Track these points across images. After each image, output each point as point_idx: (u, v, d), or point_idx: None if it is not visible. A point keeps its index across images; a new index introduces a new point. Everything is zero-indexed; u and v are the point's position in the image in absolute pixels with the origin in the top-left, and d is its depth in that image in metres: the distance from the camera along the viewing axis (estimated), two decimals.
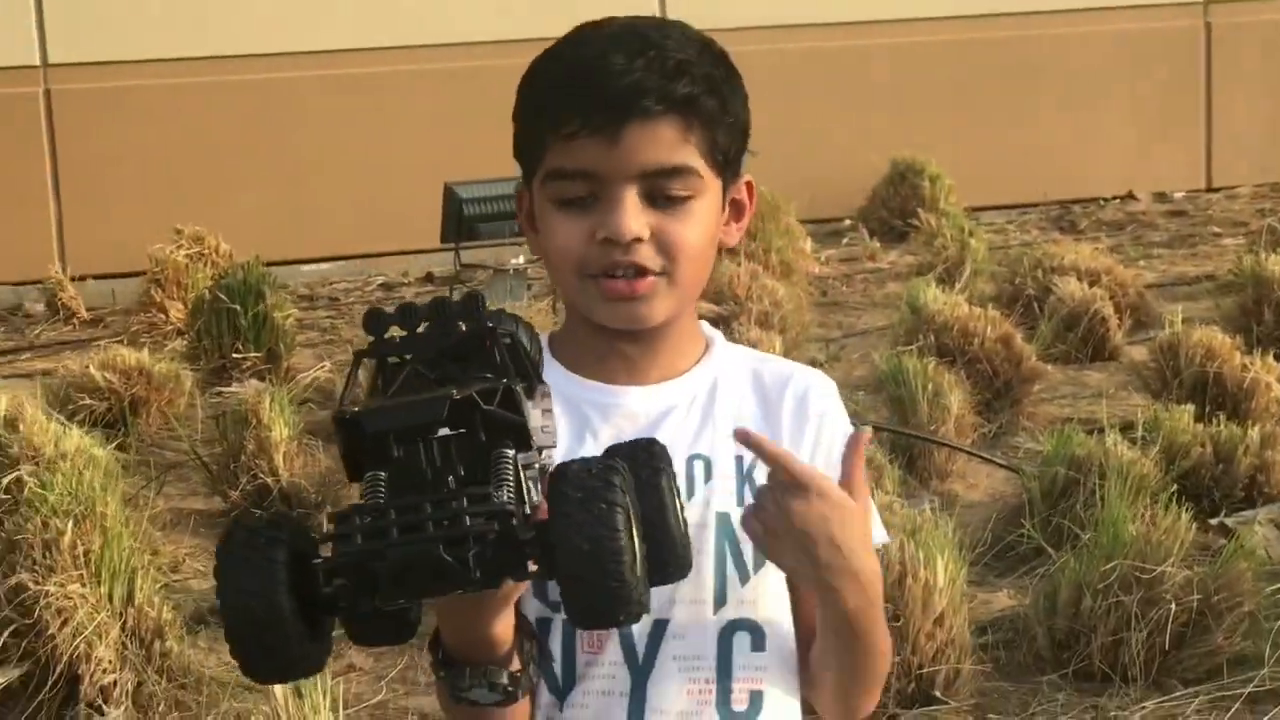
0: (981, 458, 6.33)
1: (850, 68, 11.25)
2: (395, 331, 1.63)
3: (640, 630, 1.93)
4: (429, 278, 10.14)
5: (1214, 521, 5.65)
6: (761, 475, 1.95)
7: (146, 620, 4.70)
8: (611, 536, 1.52)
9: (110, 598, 4.63)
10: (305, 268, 10.27)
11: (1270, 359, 6.57)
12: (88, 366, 6.93)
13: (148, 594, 4.74)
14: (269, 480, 5.90)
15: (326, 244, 10.44)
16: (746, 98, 2.00)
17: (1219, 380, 6.46)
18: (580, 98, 1.90)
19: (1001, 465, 6.26)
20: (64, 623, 4.55)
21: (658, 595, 1.59)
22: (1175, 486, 5.33)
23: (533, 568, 1.55)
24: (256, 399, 6.11)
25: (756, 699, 1.98)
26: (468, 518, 1.51)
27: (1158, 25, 11.90)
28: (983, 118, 11.60)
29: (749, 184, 2.04)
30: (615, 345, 1.99)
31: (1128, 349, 7.74)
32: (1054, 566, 4.98)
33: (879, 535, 2.04)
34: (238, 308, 7.57)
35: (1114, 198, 11.87)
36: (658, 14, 10.53)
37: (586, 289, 1.94)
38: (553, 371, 1.95)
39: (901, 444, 6.16)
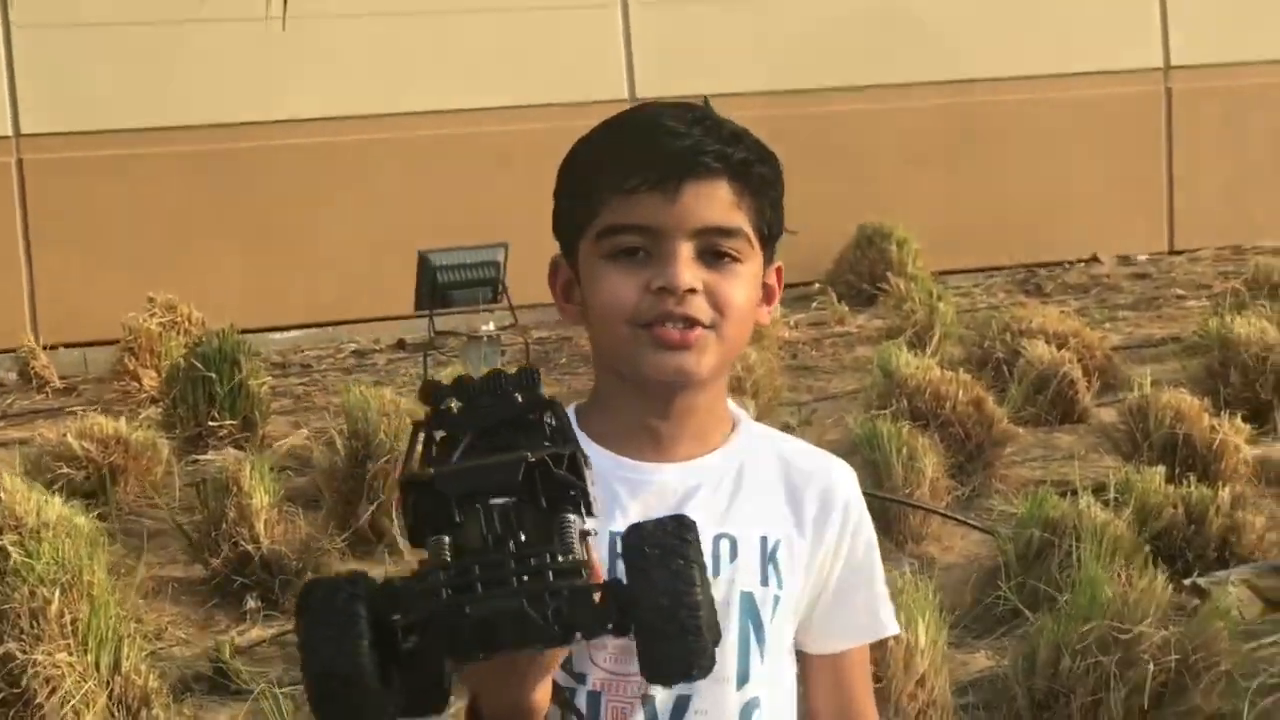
0: (957, 520, 6.37)
1: (816, 133, 11.35)
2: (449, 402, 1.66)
3: (663, 706, 1.97)
4: (401, 344, 10.17)
5: (1187, 582, 5.69)
6: (784, 556, 2.02)
7: (133, 688, 4.72)
8: (689, 591, 1.57)
9: (98, 666, 4.66)
10: (277, 335, 10.30)
11: (1238, 420, 6.66)
12: (65, 435, 6.93)
13: (134, 662, 4.76)
14: (250, 548, 5.92)
15: (298, 311, 10.47)
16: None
17: (1189, 442, 6.54)
18: (642, 154, 1.95)
19: (977, 528, 6.30)
20: (51, 691, 4.57)
21: None
22: (1149, 548, 5.39)
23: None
24: (237, 467, 6.13)
25: None
26: (550, 573, 1.55)
27: (1119, 91, 12.04)
28: (948, 182, 11.71)
29: (779, 269, 2.08)
30: (645, 420, 2.02)
31: (1097, 411, 7.80)
32: (1032, 627, 5.02)
33: (890, 627, 2.12)
34: (213, 375, 7.60)
35: (1078, 261, 11.98)
36: (626, 82, 10.63)
37: (637, 337, 1.96)
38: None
39: (876, 507, 6.17)
